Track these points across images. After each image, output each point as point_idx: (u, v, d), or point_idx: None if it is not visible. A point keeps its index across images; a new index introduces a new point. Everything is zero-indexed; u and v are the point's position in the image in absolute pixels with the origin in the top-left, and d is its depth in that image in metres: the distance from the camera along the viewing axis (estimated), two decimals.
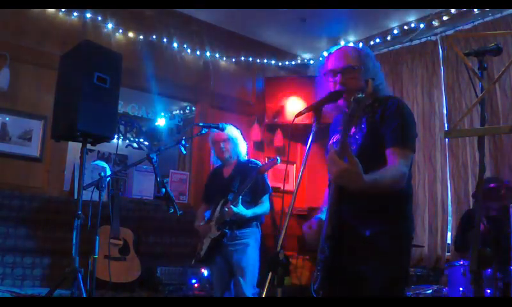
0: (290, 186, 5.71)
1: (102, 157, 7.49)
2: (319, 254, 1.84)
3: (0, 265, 3.50)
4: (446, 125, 4.55)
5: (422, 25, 4.76)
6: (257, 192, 3.33)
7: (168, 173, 5.11)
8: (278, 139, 5.58)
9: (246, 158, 3.54)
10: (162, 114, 7.71)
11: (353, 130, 1.85)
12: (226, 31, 5.39)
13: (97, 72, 2.60)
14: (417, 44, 4.87)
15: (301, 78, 5.73)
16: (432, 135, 4.62)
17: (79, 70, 2.60)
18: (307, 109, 1.86)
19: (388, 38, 5.09)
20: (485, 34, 4.08)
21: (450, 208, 4.43)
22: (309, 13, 4.80)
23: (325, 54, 2.07)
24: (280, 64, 5.83)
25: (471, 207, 4.12)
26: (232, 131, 3.44)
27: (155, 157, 2.88)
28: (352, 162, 1.52)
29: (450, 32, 4.52)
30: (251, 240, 3.29)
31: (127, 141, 7.74)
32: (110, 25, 4.61)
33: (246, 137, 3.65)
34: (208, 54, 5.29)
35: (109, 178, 3.03)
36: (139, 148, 7.81)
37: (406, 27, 4.91)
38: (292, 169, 5.88)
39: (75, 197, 3.85)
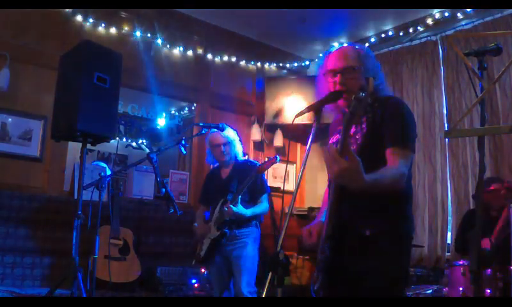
0: (290, 186, 5.71)
1: (102, 157, 7.49)
2: (319, 254, 1.84)
3: (0, 265, 3.50)
4: (446, 125, 4.55)
5: (422, 25, 4.76)
6: (255, 192, 3.33)
7: (168, 173, 5.11)
8: (278, 139, 5.59)
9: (244, 158, 3.55)
10: (163, 114, 7.71)
11: (353, 129, 1.84)
12: (226, 31, 5.39)
13: (97, 72, 2.61)
14: (417, 44, 4.87)
15: (301, 78, 5.73)
16: (432, 135, 4.62)
17: (79, 70, 2.60)
18: (307, 109, 1.86)
19: (388, 38, 5.10)
20: (485, 34, 4.08)
21: (450, 208, 4.43)
22: (309, 13, 4.80)
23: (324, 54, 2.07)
24: (280, 64, 5.84)
25: (471, 207, 4.12)
26: (230, 133, 3.44)
27: (155, 157, 2.88)
28: (353, 160, 1.52)
29: (450, 32, 4.52)
30: (250, 240, 3.29)
31: (127, 141, 7.75)
32: (110, 25, 4.61)
33: (246, 137, 3.65)
34: (208, 54, 5.29)
35: (109, 178, 3.03)
36: (139, 148, 7.81)
37: (406, 27, 4.91)
38: (292, 169, 5.88)
39: (75, 197, 3.85)
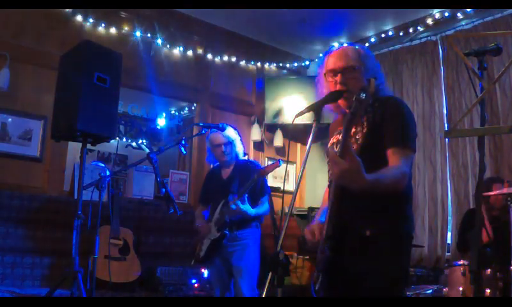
0: (290, 186, 5.71)
1: (102, 157, 7.49)
2: (319, 255, 1.84)
3: (0, 265, 3.50)
4: (446, 125, 4.55)
5: (422, 25, 4.76)
6: (256, 193, 3.30)
7: (168, 173, 5.11)
8: (278, 139, 5.59)
9: (244, 158, 3.52)
10: (163, 114, 7.71)
11: (353, 129, 1.84)
12: (226, 31, 5.39)
13: (97, 72, 2.61)
14: (417, 44, 4.87)
15: (301, 78, 5.74)
16: (432, 135, 4.62)
17: (79, 70, 2.60)
18: (307, 109, 1.86)
19: (388, 38, 5.10)
20: (485, 34, 4.08)
21: (450, 208, 4.43)
22: (309, 13, 4.80)
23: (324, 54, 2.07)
24: (280, 64, 5.84)
25: (471, 207, 4.12)
26: (231, 133, 3.41)
27: (155, 157, 2.88)
28: (354, 161, 1.52)
29: (450, 32, 4.52)
30: (251, 241, 3.26)
31: (127, 141, 7.75)
32: (110, 25, 4.61)
33: (246, 137, 3.64)
34: (208, 54, 5.29)
35: (108, 178, 3.02)
36: (139, 148, 7.81)
37: (406, 27, 4.91)
38: (292, 169, 5.88)
39: (75, 197, 3.85)
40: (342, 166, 1.53)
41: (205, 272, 3.91)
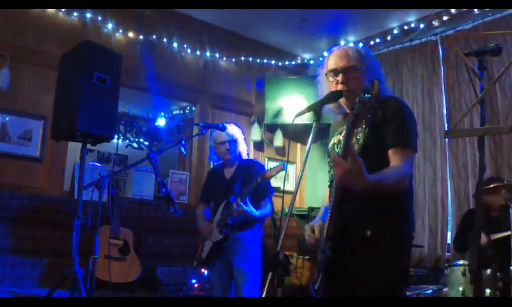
0: (290, 186, 5.71)
1: (102, 157, 7.50)
2: (320, 254, 1.84)
3: (0, 265, 3.50)
4: (446, 125, 4.55)
5: (422, 25, 4.76)
6: (259, 194, 3.24)
7: (168, 173, 5.11)
8: (278, 139, 5.59)
9: (248, 158, 3.47)
10: (162, 114, 7.71)
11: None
12: (226, 31, 5.40)
13: (97, 72, 2.60)
14: (417, 44, 4.87)
15: (301, 78, 5.74)
16: (432, 135, 4.62)
17: (79, 70, 2.60)
18: (307, 109, 1.86)
19: (388, 38, 5.10)
20: (485, 34, 4.08)
21: (450, 208, 4.43)
22: (309, 13, 4.80)
23: (325, 54, 2.07)
24: (280, 64, 5.84)
25: (471, 207, 4.12)
26: (235, 131, 3.36)
27: (155, 157, 2.88)
28: (355, 162, 1.52)
29: (450, 32, 4.52)
30: (253, 243, 3.22)
31: (127, 141, 7.75)
32: (110, 25, 4.61)
33: (246, 137, 3.62)
34: (208, 54, 5.29)
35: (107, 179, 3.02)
36: (139, 148, 7.82)
37: (406, 27, 4.91)
38: (292, 169, 5.88)
39: (75, 197, 3.85)
40: (344, 167, 1.53)
41: (205, 272, 3.91)
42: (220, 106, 5.41)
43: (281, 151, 5.71)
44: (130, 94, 5.67)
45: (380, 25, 5.07)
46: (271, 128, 5.65)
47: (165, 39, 4.97)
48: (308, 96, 5.28)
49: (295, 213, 5.24)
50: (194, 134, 5.07)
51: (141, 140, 7.86)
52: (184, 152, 3.32)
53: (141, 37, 4.80)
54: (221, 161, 3.44)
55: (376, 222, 1.80)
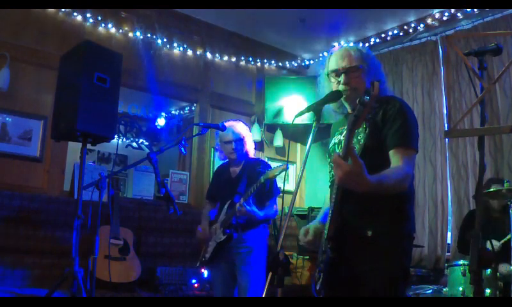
0: (290, 186, 5.71)
1: (102, 157, 7.50)
2: (321, 255, 1.84)
3: (0, 265, 3.50)
4: (446, 125, 4.54)
5: (422, 25, 4.76)
6: (264, 195, 3.15)
7: (168, 173, 5.11)
8: (278, 139, 5.59)
9: (255, 157, 3.38)
10: (162, 114, 7.71)
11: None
12: (226, 31, 5.40)
13: (97, 72, 2.60)
14: (417, 44, 4.88)
15: (301, 78, 5.74)
16: (432, 135, 4.62)
17: (79, 70, 2.60)
18: (307, 109, 1.86)
19: (388, 38, 5.10)
20: (485, 34, 4.08)
21: (450, 208, 4.43)
22: (309, 13, 4.80)
23: (326, 54, 2.07)
24: (280, 64, 5.84)
25: (471, 207, 4.12)
26: (242, 129, 3.28)
27: (155, 157, 2.87)
28: (356, 163, 1.52)
29: (450, 32, 4.52)
30: (257, 244, 3.13)
31: (127, 141, 7.75)
32: (110, 25, 4.61)
33: None
34: (208, 54, 5.29)
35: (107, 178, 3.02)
36: (139, 148, 7.82)
37: (406, 27, 4.91)
38: (292, 169, 5.88)
39: (75, 197, 3.85)
40: (344, 168, 1.53)
41: (205, 273, 3.90)
42: (220, 106, 5.41)
43: (281, 151, 5.71)
44: (130, 94, 5.67)
45: (380, 25, 5.08)
46: (271, 128, 5.65)
47: (165, 39, 4.97)
48: (308, 96, 5.28)
49: (295, 213, 5.23)
50: (194, 134, 5.06)
51: (141, 140, 7.86)
52: (184, 152, 3.30)
53: (141, 37, 4.80)
54: (229, 161, 3.37)
55: (376, 222, 1.80)
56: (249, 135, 3.33)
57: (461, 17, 4.48)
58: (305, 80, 5.51)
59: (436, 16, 4.64)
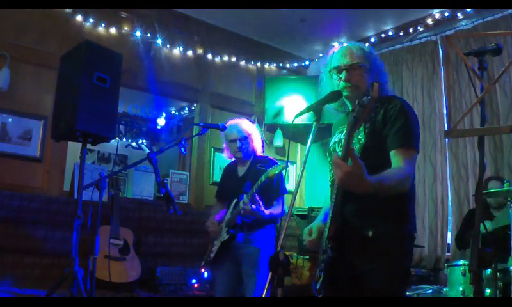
0: (290, 186, 5.71)
1: (102, 157, 7.50)
2: (321, 255, 1.84)
3: (1, 265, 3.50)
4: (446, 125, 4.53)
5: (422, 25, 4.76)
6: (270, 193, 3.08)
7: (168, 173, 5.12)
8: (278, 139, 5.59)
9: (262, 155, 3.30)
10: (163, 114, 7.71)
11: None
12: (226, 31, 5.40)
13: (97, 72, 2.61)
14: (417, 44, 4.88)
15: (301, 78, 5.74)
16: (432, 135, 4.62)
17: (79, 70, 2.60)
18: (307, 109, 1.86)
19: (388, 38, 5.10)
20: (485, 34, 4.08)
21: (450, 208, 4.43)
22: (309, 13, 4.80)
23: (326, 54, 2.07)
24: (280, 64, 5.84)
25: (471, 207, 4.12)
26: (248, 127, 3.23)
27: (155, 157, 2.87)
28: (356, 164, 1.52)
29: (450, 32, 4.52)
30: (264, 245, 3.07)
31: (127, 141, 7.75)
32: (110, 26, 4.61)
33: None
34: (208, 54, 5.29)
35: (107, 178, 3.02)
36: (139, 148, 7.82)
37: (406, 27, 4.91)
38: (292, 169, 5.88)
39: (75, 197, 3.85)
40: (344, 169, 1.53)
41: (205, 273, 3.90)
42: (220, 106, 5.41)
43: (281, 151, 5.71)
44: (130, 94, 5.67)
45: (380, 25, 5.08)
46: (271, 128, 5.65)
47: (165, 39, 4.97)
48: (308, 96, 5.28)
49: (295, 213, 5.24)
50: (194, 134, 5.06)
51: (141, 140, 7.86)
52: (184, 152, 3.29)
53: (141, 37, 4.80)
54: (236, 159, 3.33)
55: (377, 222, 1.80)
56: (256, 133, 3.28)
57: (461, 17, 4.48)
58: (305, 80, 5.51)
59: (436, 16, 4.64)
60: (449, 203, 4.45)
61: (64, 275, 2.50)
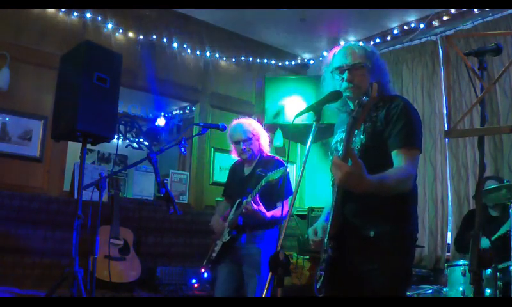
0: None
1: (102, 157, 7.50)
2: (322, 254, 1.84)
3: (1, 265, 3.50)
4: (446, 125, 4.53)
5: (422, 25, 4.76)
6: (275, 195, 3.05)
7: (168, 173, 5.12)
8: (278, 139, 5.59)
9: (270, 154, 3.27)
10: (162, 114, 7.71)
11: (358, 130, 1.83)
12: (226, 31, 5.40)
13: (97, 72, 2.60)
14: (417, 44, 4.87)
15: (301, 78, 5.74)
16: (432, 135, 4.62)
17: (79, 70, 2.60)
18: (307, 109, 1.86)
19: (388, 38, 5.10)
20: (485, 34, 4.08)
21: (450, 208, 4.43)
22: (309, 13, 4.80)
23: (325, 53, 2.07)
24: (280, 64, 5.84)
25: (471, 207, 4.12)
26: (251, 128, 3.19)
27: (155, 157, 2.87)
28: (356, 164, 1.52)
29: (450, 32, 4.52)
30: (266, 245, 3.04)
31: (127, 141, 7.75)
32: (110, 25, 4.61)
33: None
34: (208, 54, 5.29)
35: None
36: (139, 148, 7.82)
37: (406, 27, 4.91)
38: (292, 169, 5.88)
39: (75, 197, 3.85)
40: (344, 170, 1.53)
41: (205, 273, 3.90)
42: (220, 106, 5.41)
43: (281, 151, 5.71)
44: (130, 94, 5.67)
45: (380, 25, 5.07)
46: (271, 128, 5.64)
47: (165, 39, 4.97)
48: (308, 96, 5.28)
49: (295, 213, 5.23)
50: (194, 134, 5.06)
51: (141, 140, 7.86)
52: (184, 152, 3.29)
53: (141, 37, 4.80)
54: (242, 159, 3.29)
55: (378, 222, 1.79)
56: (261, 133, 3.23)
57: (461, 17, 4.47)
58: (305, 80, 5.51)
59: (436, 16, 4.64)
60: (449, 203, 4.45)
61: (64, 275, 2.50)
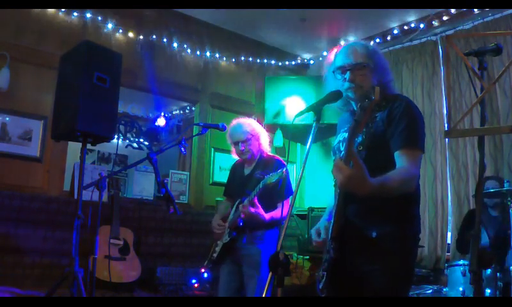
0: None
1: (102, 157, 7.50)
2: (324, 254, 1.84)
3: (1, 265, 3.50)
4: (446, 125, 4.53)
5: (422, 25, 4.76)
6: (275, 196, 3.04)
7: (168, 173, 5.11)
8: (278, 139, 5.59)
9: (270, 154, 3.26)
10: (162, 114, 7.71)
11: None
12: (226, 31, 5.40)
13: (97, 72, 2.60)
14: (417, 44, 4.87)
15: (301, 78, 5.73)
16: (432, 135, 4.62)
17: (79, 70, 2.60)
18: (307, 109, 1.85)
19: (388, 38, 5.09)
20: (485, 34, 4.08)
21: (450, 208, 4.43)
22: (309, 13, 4.80)
23: (325, 53, 2.07)
24: (280, 64, 5.83)
25: (471, 207, 4.12)
26: (251, 128, 3.18)
27: (155, 157, 2.87)
28: (357, 166, 1.51)
29: (450, 32, 4.52)
30: (266, 246, 3.03)
31: (127, 141, 7.75)
32: (110, 25, 4.61)
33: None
34: (208, 54, 5.29)
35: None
36: (139, 148, 7.82)
37: (406, 27, 4.91)
38: (292, 169, 5.88)
39: (75, 197, 3.85)
40: (346, 173, 1.52)
41: (205, 273, 3.90)
42: (220, 106, 5.41)
43: (281, 151, 5.71)
44: (130, 94, 5.67)
45: (380, 25, 5.07)
46: (271, 128, 5.64)
47: (165, 39, 4.97)
48: (308, 96, 5.28)
49: (295, 213, 5.23)
50: (194, 134, 5.06)
51: (141, 140, 7.86)
52: (184, 152, 3.28)
53: (141, 37, 4.80)
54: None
55: (381, 223, 1.78)
56: (261, 133, 3.22)
57: (461, 17, 4.47)
58: (305, 80, 5.51)
59: (436, 17, 4.64)
60: (449, 203, 4.45)
61: (64, 275, 2.50)
